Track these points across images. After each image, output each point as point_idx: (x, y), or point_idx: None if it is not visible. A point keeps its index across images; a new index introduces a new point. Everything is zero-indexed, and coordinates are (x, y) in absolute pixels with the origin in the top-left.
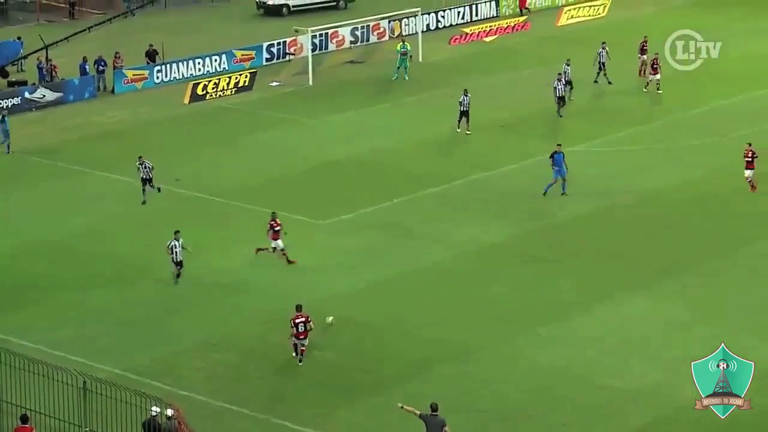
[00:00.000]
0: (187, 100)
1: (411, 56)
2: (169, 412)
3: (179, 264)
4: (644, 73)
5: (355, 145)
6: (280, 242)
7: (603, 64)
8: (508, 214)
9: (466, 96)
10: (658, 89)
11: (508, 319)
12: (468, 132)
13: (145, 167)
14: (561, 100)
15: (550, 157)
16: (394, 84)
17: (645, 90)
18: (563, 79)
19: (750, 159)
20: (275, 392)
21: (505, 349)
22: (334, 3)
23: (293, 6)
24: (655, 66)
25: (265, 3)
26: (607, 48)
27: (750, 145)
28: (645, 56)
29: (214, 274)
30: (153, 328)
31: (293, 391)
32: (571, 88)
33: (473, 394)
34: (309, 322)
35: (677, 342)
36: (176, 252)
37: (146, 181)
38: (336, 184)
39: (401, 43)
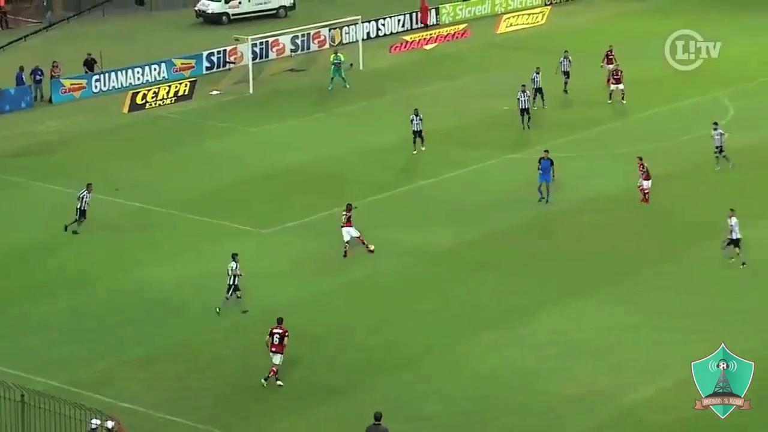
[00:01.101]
0: (126, 110)
1: (351, 64)
2: (110, 424)
3: (233, 288)
4: (615, 98)
5: (297, 154)
6: (352, 230)
7: (566, 73)
8: (453, 221)
9: (417, 116)
10: (622, 99)
11: (453, 325)
12: (423, 148)
13: (84, 201)
14: (525, 112)
15: (538, 162)
16: (336, 92)
17: (609, 102)
18: (527, 91)
19: (644, 171)
20: (218, 403)
21: (450, 356)
22: (274, 11)
23: (233, 14)
24: (617, 76)
25: (204, 11)
26: (569, 57)
27: (641, 159)
28: (612, 66)
29: (157, 285)
30: (94, 340)
31: (236, 402)
32: (543, 97)
33: (418, 402)
34: (286, 336)
35: (622, 347)
36: (232, 276)
37: (82, 213)
38: (279, 192)
39: (334, 54)
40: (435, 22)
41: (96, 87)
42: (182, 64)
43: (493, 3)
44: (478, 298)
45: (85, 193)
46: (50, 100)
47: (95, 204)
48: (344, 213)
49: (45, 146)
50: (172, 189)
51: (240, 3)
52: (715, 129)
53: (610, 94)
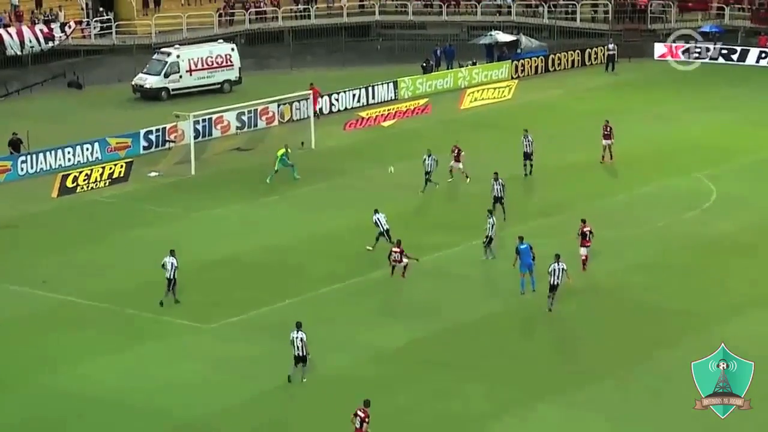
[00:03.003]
0: (55, 194)
1: (303, 143)
2: None
3: (301, 359)
4: (606, 159)
5: (242, 241)
6: (405, 260)
7: (527, 154)
8: (408, 314)
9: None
10: (610, 158)
11: None
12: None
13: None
14: (498, 200)
15: (516, 252)
16: (285, 174)
17: (601, 162)
18: (499, 179)
19: (585, 234)
20: None
21: None
22: (218, 86)
23: (173, 89)
24: (606, 131)
25: (141, 86)
26: (530, 136)
27: (584, 222)
28: (609, 141)
29: (83, 385)
30: None
31: None
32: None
33: None
34: (365, 422)
35: None
36: (298, 345)
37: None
38: (222, 284)
39: (284, 149)
40: (393, 97)
41: (22, 169)
42: (117, 143)
43: (456, 76)
44: (438, 401)
45: (170, 259)
46: None
47: (16, 298)
48: (395, 250)
49: None
50: (104, 280)
51: (180, 77)
52: None
53: (603, 155)
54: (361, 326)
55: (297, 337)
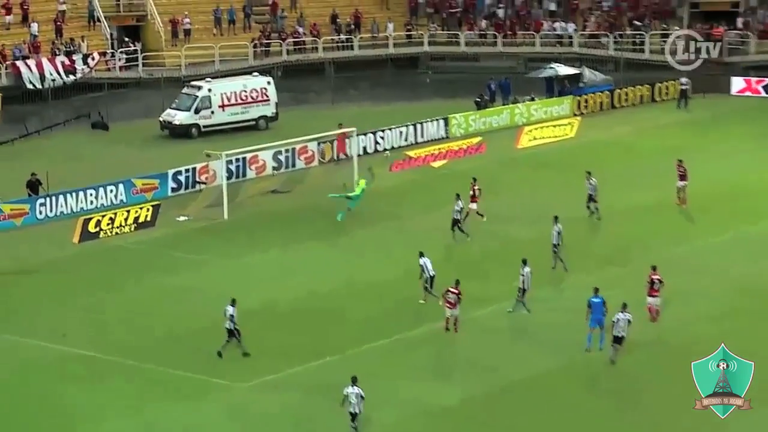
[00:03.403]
0: (76, 239)
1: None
2: None
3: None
4: (680, 201)
5: (278, 290)
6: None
7: (591, 196)
8: (460, 371)
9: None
10: (684, 201)
11: None
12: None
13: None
14: (555, 248)
15: (587, 305)
16: (327, 218)
17: (677, 202)
18: (558, 223)
19: (654, 282)
20: None
21: None
22: (253, 122)
23: (204, 126)
24: (681, 171)
25: (170, 123)
26: (593, 180)
27: (654, 269)
28: (684, 183)
29: None
30: None
31: None
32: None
33: None
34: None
35: None
36: (352, 402)
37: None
38: (257, 337)
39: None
40: (444, 136)
41: (41, 213)
42: (144, 184)
43: (512, 113)
44: None
45: (230, 308)
46: None
47: (37, 354)
48: (453, 291)
49: None
50: (130, 334)
51: (212, 113)
52: None
53: (678, 197)
54: (409, 383)
55: (353, 393)
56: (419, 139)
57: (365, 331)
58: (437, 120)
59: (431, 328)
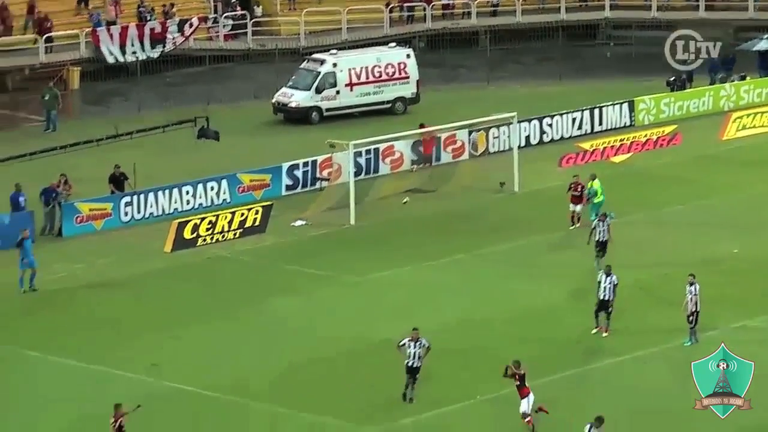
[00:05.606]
0: (168, 248)
1: (503, 184)
2: None
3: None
4: None
5: (416, 317)
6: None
7: None
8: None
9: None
10: None
11: None
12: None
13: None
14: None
15: None
16: (478, 224)
17: None
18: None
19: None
20: None
21: None
22: (388, 105)
23: (327, 109)
24: None
25: (285, 105)
26: None
27: None
28: None
29: None
30: None
31: None
32: None
33: None
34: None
35: None
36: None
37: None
38: (387, 372)
39: (590, 182)
40: (629, 123)
41: (126, 214)
42: (252, 181)
43: (716, 96)
44: None
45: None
46: (59, 233)
47: (121, 386)
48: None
49: (45, 303)
50: (231, 366)
51: (338, 93)
52: None
53: None
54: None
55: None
56: (597, 128)
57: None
58: (620, 104)
59: (603, 365)
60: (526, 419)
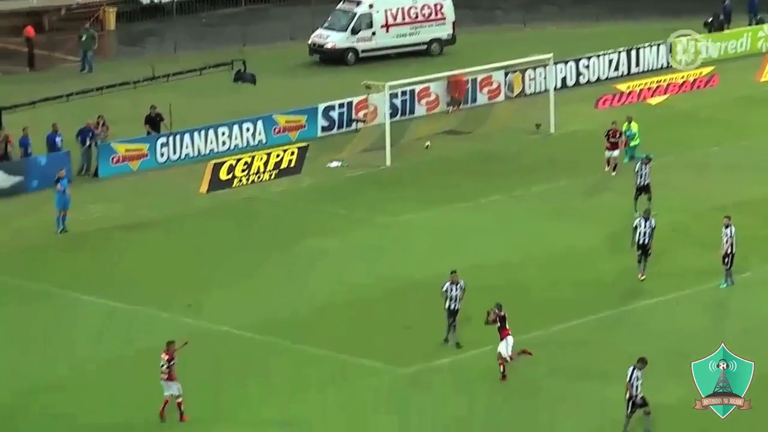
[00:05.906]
0: (204, 188)
1: (539, 125)
2: None
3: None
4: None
5: (451, 258)
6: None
7: None
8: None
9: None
10: None
11: None
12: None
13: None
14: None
15: None
16: (514, 166)
17: None
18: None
19: None
20: None
21: None
22: (424, 46)
23: (363, 50)
24: None
25: (321, 46)
26: None
27: None
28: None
29: None
30: None
31: None
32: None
33: None
34: None
35: None
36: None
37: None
38: (421, 314)
39: (627, 124)
40: (665, 65)
41: (162, 155)
42: (287, 122)
43: (754, 37)
44: None
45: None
46: (95, 173)
47: (154, 325)
48: (495, 311)
49: (82, 242)
50: (268, 306)
51: (374, 34)
52: None
53: None
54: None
55: (635, 376)
56: (633, 69)
57: (554, 309)
58: (657, 45)
59: (636, 306)
60: (501, 360)
